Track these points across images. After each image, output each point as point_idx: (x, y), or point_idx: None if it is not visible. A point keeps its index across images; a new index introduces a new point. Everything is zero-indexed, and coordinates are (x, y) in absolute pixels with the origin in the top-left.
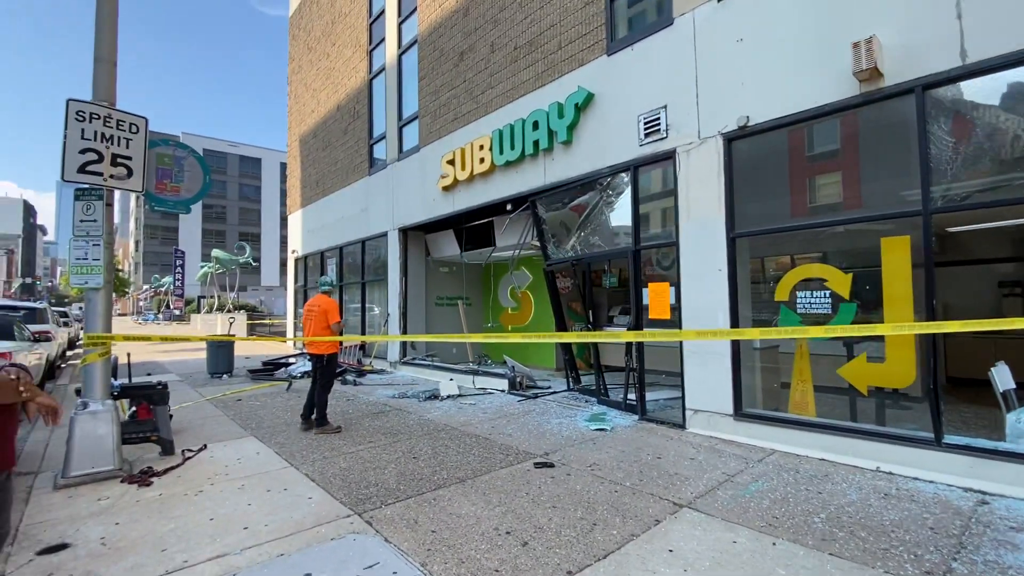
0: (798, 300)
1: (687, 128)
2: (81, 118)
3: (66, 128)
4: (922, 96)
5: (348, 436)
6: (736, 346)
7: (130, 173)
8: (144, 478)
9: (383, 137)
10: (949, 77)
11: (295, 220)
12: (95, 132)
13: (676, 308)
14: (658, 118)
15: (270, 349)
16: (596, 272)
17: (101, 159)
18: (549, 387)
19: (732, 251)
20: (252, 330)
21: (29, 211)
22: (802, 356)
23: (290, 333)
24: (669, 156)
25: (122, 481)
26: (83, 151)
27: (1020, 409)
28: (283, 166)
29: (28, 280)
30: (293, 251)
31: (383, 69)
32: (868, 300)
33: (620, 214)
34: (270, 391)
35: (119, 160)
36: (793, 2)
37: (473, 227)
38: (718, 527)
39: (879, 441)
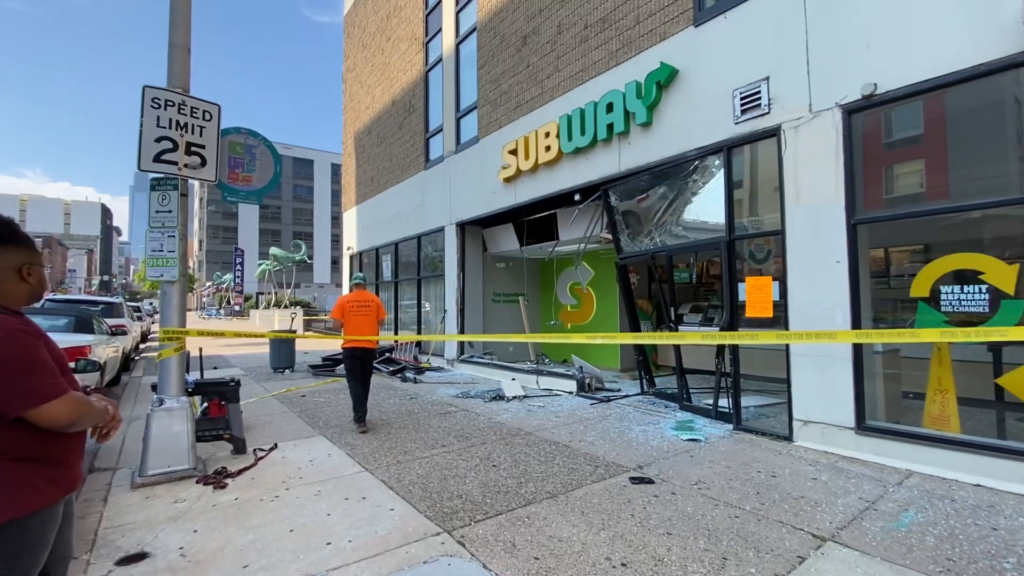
0: (943, 296)
1: (795, 101)
2: (157, 105)
3: (142, 116)
4: None
5: (419, 438)
6: (859, 349)
7: (204, 162)
8: (219, 479)
9: (439, 130)
10: None
11: (350, 217)
12: (170, 120)
13: (780, 305)
14: (758, 92)
15: (325, 345)
16: (660, 267)
17: (176, 147)
18: (619, 390)
19: (853, 239)
20: (308, 326)
21: (106, 214)
22: (941, 362)
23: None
24: (772, 134)
25: (197, 482)
26: (158, 139)
27: None
28: (334, 167)
29: (105, 278)
30: (348, 248)
31: (439, 60)
32: None
33: (709, 201)
34: (332, 387)
35: (193, 149)
36: None
37: (535, 220)
38: (882, 570)
39: None
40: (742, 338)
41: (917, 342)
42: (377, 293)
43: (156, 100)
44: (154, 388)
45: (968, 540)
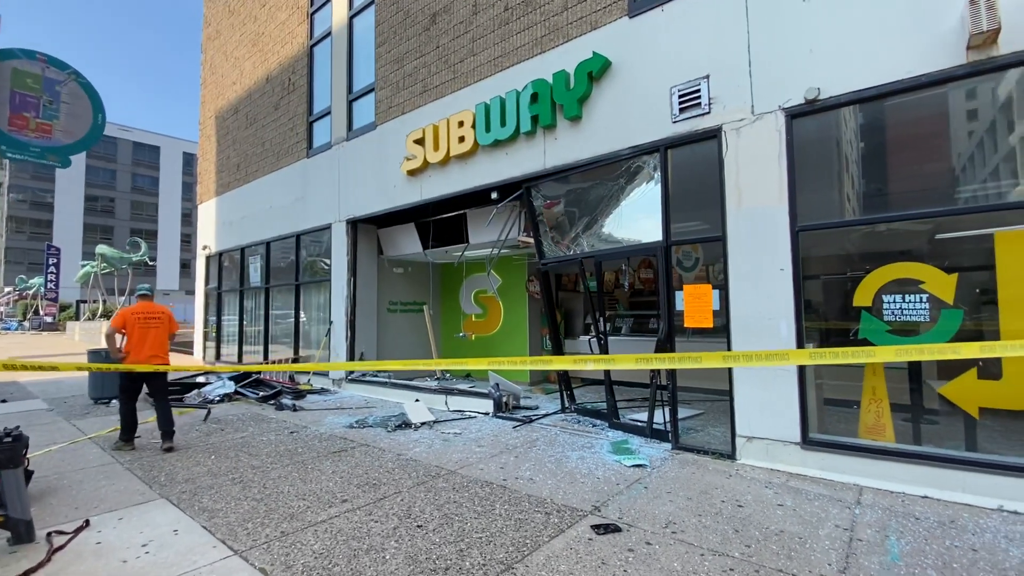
0: (885, 305)
1: (737, 102)
2: None
3: None
4: None
5: (309, 491)
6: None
7: None
8: None
9: (327, 113)
10: None
11: (207, 210)
12: None
13: (720, 315)
14: (697, 90)
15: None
16: (569, 276)
17: None
18: (537, 407)
19: (797, 247)
20: None
21: None
22: (875, 371)
23: (199, 346)
24: (712, 135)
25: None
26: None
27: None
28: (187, 157)
29: None
30: (204, 247)
31: (328, 34)
32: (977, 305)
33: (644, 203)
34: (179, 422)
35: None
36: None
37: (442, 220)
38: None
39: (1000, 474)
40: (683, 361)
41: (874, 362)
42: (241, 301)
43: None
44: None
45: (967, 569)
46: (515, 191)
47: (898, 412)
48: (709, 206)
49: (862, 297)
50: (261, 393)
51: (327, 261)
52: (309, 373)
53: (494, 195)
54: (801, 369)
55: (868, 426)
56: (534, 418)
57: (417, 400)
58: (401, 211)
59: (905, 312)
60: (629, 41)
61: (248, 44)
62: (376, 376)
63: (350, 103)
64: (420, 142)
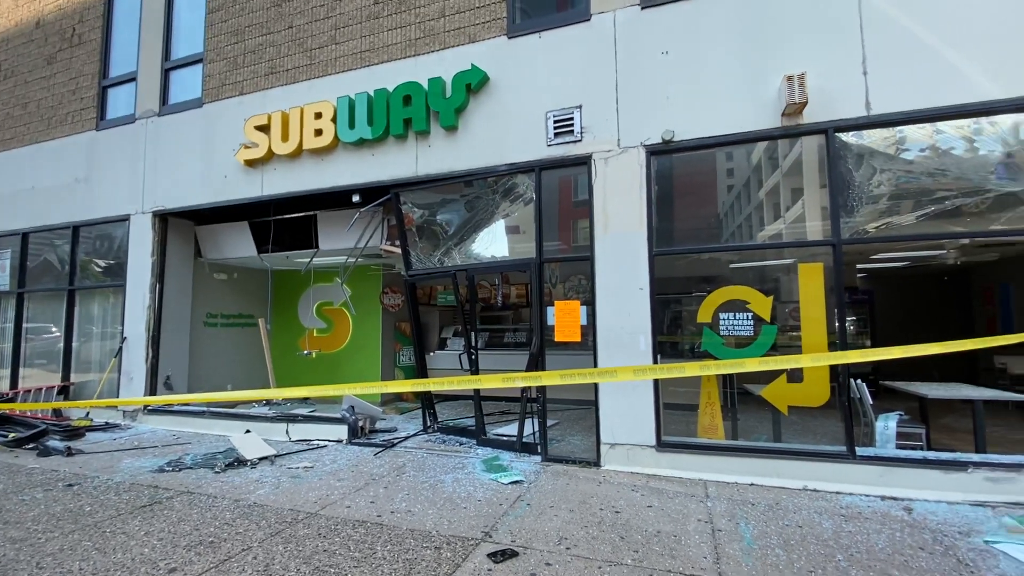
0: (721, 322)
1: (605, 134)
2: None
3: None
4: (832, 137)
5: (116, 564)
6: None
7: None
8: None
9: (131, 79)
10: (856, 124)
11: None
12: None
13: (588, 330)
14: (571, 118)
15: None
16: (424, 288)
17: None
18: (395, 429)
19: (653, 270)
20: None
21: None
22: (709, 379)
23: None
24: (583, 161)
25: None
26: None
27: (885, 416)
28: None
29: None
30: None
31: None
32: (786, 322)
33: (518, 220)
34: None
35: None
36: (721, 27)
37: (287, 221)
38: None
39: (802, 460)
40: (602, 376)
41: (685, 376)
42: None
43: None
44: None
45: (799, 544)
46: (381, 195)
47: (728, 413)
48: (582, 228)
49: (704, 315)
50: (12, 435)
51: (120, 261)
52: (87, 407)
53: (356, 198)
54: (657, 380)
55: (705, 426)
56: (396, 442)
57: (248, 431)
58: (232, 207)
59: (736, 328)
60: (508, 60)
61: None
62: (188, 404)
63: (166, 71)
64: (264, 129)
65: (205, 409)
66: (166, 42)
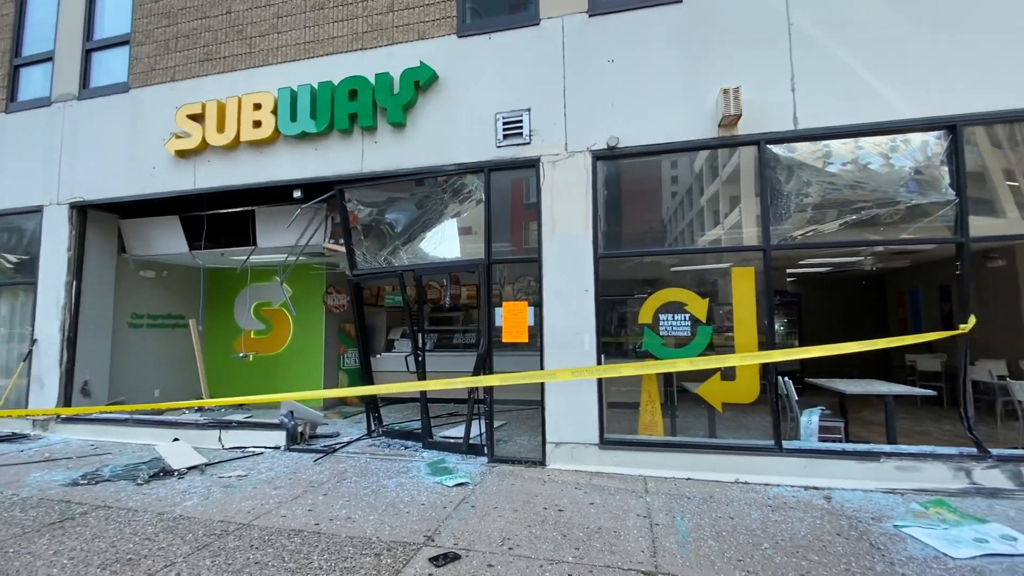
0: (661, 323)
1: (553, 138)
2: None
3: None
4: (764, 149)
5: None
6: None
7: None
8: None
9: (46, 59)
10: (785, 137)
11: None
12: None
13: (536, 331)
14: (520, 120)
15: None
16: (371, 289)
17: None
18: (338, 434)
19: (598, 272)
20: None
21: None
22: (651, 378)
23: None
24: (532, 164)
25: None
26: None
27: (809, 411)
28: None
29: None
30: None
31: None
32: (722, 323)
33: (467, 220)
34: None
35: None
36: (663, 39)
37: (222, 216)
38: None
39: (734, 454)
40: (541, 377)
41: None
42: None
43: None
44: None
45: (729, 535)
46: (324, 192)
47: (667, 410)
48: (530, 229)
49: (645, 315)
50: None
51: (30, 256)
52: None
53: (297, 193)
54: (600, 379)
55: (645, 424)
56: (338, 447)
57: (176, 439)
58: (162, 200)
59: (675, 329)
60: (458, 60)
61: None
62: (107, 413)
63: (87, 52)
64: (197, 118)
65: (128, 416)
66: (88, 20)
